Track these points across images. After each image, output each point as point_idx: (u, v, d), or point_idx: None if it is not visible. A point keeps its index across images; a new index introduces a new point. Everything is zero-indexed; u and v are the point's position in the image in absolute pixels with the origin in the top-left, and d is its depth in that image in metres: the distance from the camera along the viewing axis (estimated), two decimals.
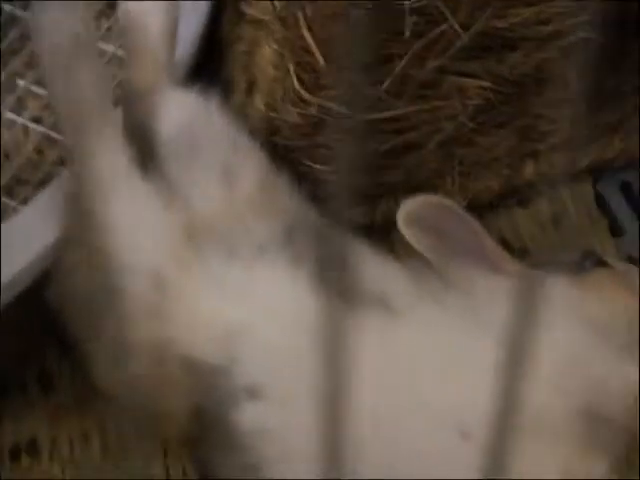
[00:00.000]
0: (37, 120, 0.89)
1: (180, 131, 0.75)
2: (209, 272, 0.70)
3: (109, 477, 0.84)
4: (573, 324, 0.70)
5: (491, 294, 0.69)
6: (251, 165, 0.74)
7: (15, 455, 0.85)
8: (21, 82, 0.91)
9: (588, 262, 0.76)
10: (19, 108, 0.90)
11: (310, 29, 0.72)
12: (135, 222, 0.69)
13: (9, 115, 0.89)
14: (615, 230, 0.97)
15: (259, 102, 0.77)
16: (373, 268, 0.71)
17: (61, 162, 0.84)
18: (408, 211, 0.73)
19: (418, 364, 0.67)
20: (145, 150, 0.73)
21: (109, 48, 0.91)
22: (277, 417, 0.67)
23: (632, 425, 0.69)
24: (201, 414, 0.70)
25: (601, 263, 0.76)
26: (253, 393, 0.67)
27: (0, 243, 0.74)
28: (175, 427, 0.73)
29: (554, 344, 0.67)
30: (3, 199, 0.84)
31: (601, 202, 0.98)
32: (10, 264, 0.75)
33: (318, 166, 0.80)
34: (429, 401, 0.66)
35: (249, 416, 0.69)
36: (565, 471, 0.65)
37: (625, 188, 1.00)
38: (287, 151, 0.78)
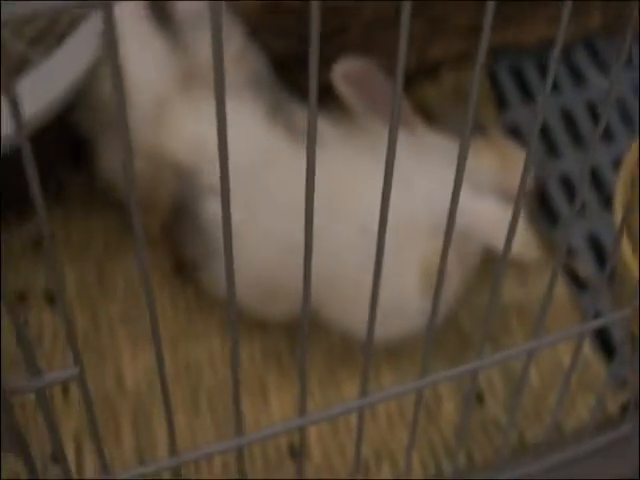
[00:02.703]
0: None
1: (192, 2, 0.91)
2: (195, 101, 0.88)
3: (109, 269, 1.02)
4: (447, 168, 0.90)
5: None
6: (235, 33, 0.93)
7: (36, 245, 1.02)
8: None
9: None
10: None
11: None
12: (147, 56, 0.88)
13: None
14: (502, 105, 1.16)
15: None
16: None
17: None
18: (342, 69, 0.91)
19: (335, 182, 0.85)
20: (163, 13, 0.91)
21: None
22: (233, 211, 0.89)
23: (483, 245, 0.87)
24: (179, 206, 0.90)
25: (480, 128, 0.95)
26: (216, 191, 0.87)
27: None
28: (159, 218, 0.92)
29: (430, 180, 0.89)
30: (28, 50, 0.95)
31: (493, 81, 1.17)
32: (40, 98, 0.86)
33: (277, 40, 0.99)
34: (340, 205, 0.86)
35: (213, 209, 0.87)
36: (424, 263, 0.84)
37: (517, 73, 1.19)
38: (255, 28, 0.96)
